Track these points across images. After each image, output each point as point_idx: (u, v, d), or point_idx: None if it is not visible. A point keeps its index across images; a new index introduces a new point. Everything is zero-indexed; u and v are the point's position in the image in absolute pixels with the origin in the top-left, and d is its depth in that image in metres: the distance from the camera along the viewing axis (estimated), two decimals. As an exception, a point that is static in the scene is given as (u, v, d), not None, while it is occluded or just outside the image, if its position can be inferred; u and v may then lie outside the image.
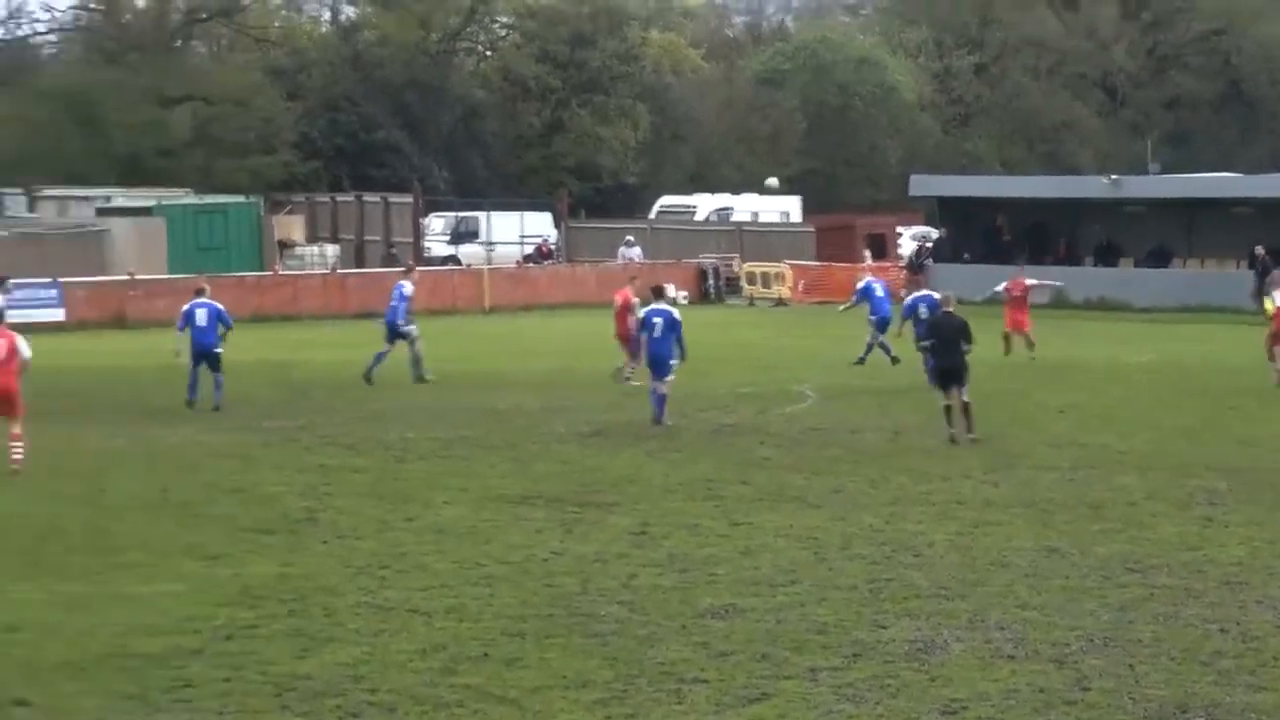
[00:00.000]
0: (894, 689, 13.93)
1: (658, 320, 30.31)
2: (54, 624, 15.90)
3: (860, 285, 42.47)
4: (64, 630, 15.68)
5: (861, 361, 40.41)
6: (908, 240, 78.70)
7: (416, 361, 37.17)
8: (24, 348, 24.61)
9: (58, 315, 55.05)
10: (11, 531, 20.40)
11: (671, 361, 30.25)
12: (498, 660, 14.85)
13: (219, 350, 33.13)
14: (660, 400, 30.31)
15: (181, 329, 33.47)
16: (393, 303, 37.58)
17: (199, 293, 33.74)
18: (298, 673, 14.46)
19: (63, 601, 16.81)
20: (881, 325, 40.38)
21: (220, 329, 33.29)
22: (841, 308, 45.94)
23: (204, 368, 33.00)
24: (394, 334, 37.38)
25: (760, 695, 13.78)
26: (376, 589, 17.54)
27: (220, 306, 33.95)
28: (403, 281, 38.23)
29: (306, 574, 18.26)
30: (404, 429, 29.75)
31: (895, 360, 39.39)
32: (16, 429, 24.30)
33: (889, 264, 69.59)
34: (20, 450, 24.26)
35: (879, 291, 41.14)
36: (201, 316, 33.25)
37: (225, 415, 31.81)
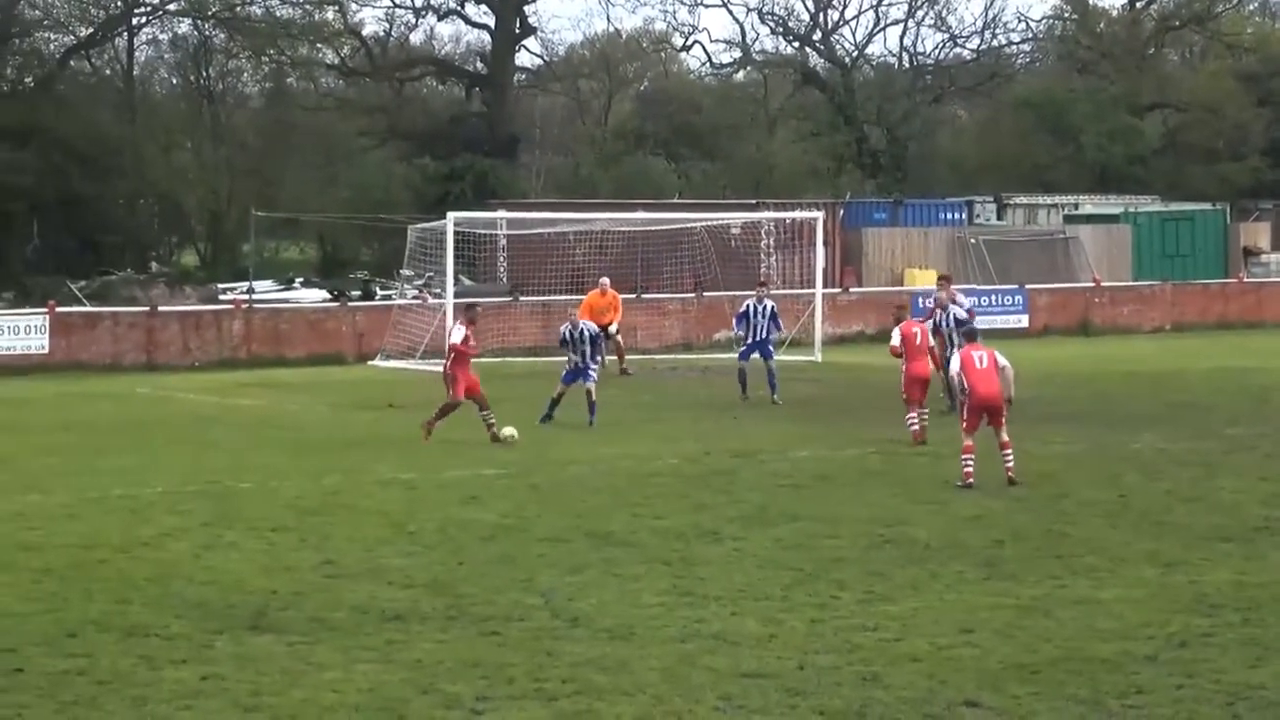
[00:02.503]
0: None
1: None
2: (1008, 626, 16.08)
3: None
4: (1018, 633, 15.83)
5: None
6: None
7: None
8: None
9: (1022, 321, 55.90)
10: (971, 534, 20.79)
11: None
12: None
13: None
14: None
15: None
16: None
17: None
18: (1251, 682, 14.12)
19: (1018, 605, 16.98)
20: None
21: None
22: None
23: None
24: None
25: None
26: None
27: None
28: None
29: (1263, 582, 17.83)
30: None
31: None
32: (1005, 437, 24.66)
33: None
34: (1011, 458, 24.52)
35: None
36: None
37: (1185, 423, 31.51)
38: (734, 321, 38.11)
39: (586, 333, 32.42)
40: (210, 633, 15.94)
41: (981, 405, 24.45)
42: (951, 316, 32.54)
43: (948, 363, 32.10)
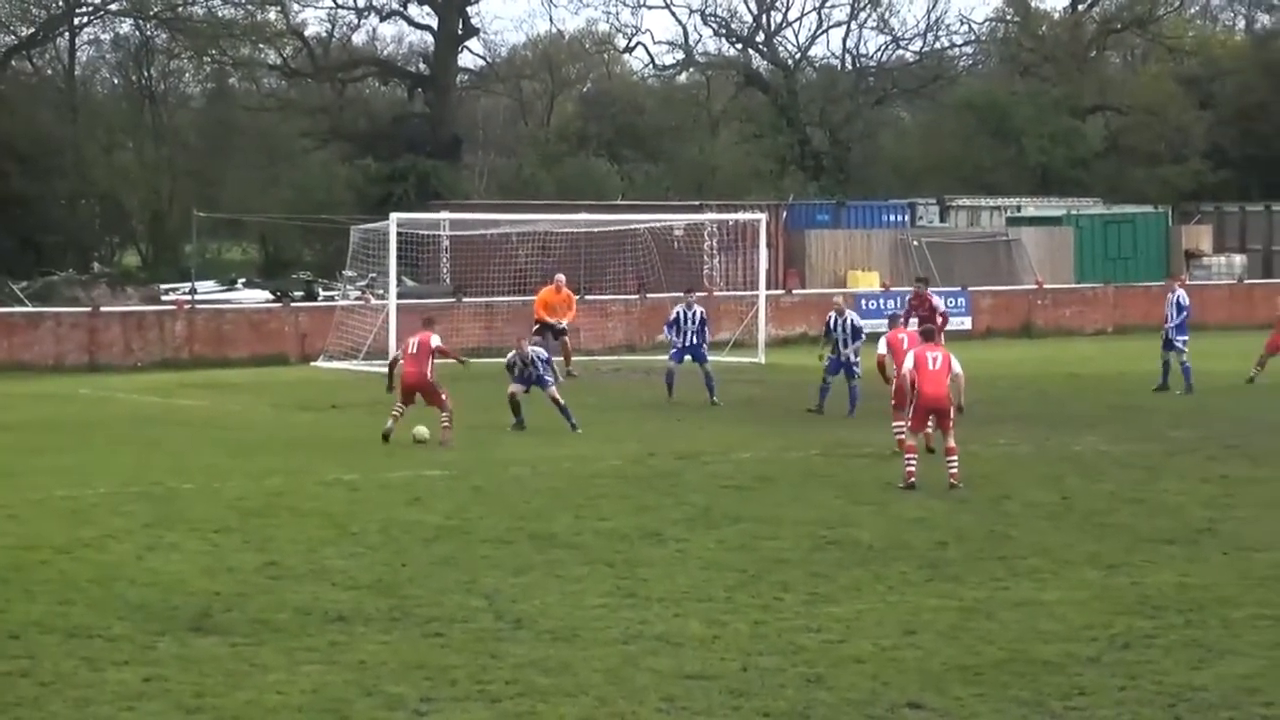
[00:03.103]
0: None
1: None
2: (951, 628, 16.12)
3: None
4: (961, 635, 15.88)
5: None
6: None
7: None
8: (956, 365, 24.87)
9: (964, 323, 56.07)
10: (914, 536, 20.84)
11: None
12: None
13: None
14: None
15: None
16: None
17: None
18: (1193, 684, 14.19)
19: (961, 606, 17.03)
20: None
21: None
22: None
23: None
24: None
25: None
26: (1276, 601, 17.05)
27: None
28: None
29: (1205, 584, 17.92)
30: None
31: None
32: (952, 443, 24.50)
33: None
34: (955, 465, 24.36)
35: None
36: None
37: (1128, 425, 31.67)
38: (665, 328, 38.30)
39: (536, 358, 32.09)
40: (153, 634, 15.87)
41: (928, 406, 24.43)
42: (849, 322, 33.80)
43: (842, 365, 33.39)
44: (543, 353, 32.69)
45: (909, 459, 24.38)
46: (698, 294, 39.27)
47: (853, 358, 33.51)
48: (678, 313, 37.14)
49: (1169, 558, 19.36)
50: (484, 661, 14.89)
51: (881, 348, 30.01)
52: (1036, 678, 14.43)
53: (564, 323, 43.30)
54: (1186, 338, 38.02)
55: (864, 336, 34.31)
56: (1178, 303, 38.45)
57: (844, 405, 33.51)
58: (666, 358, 37.44)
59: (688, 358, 36.61)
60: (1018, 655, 15.12)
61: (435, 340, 30.89)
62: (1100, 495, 23.78)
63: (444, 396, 30.37)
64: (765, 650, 15.30)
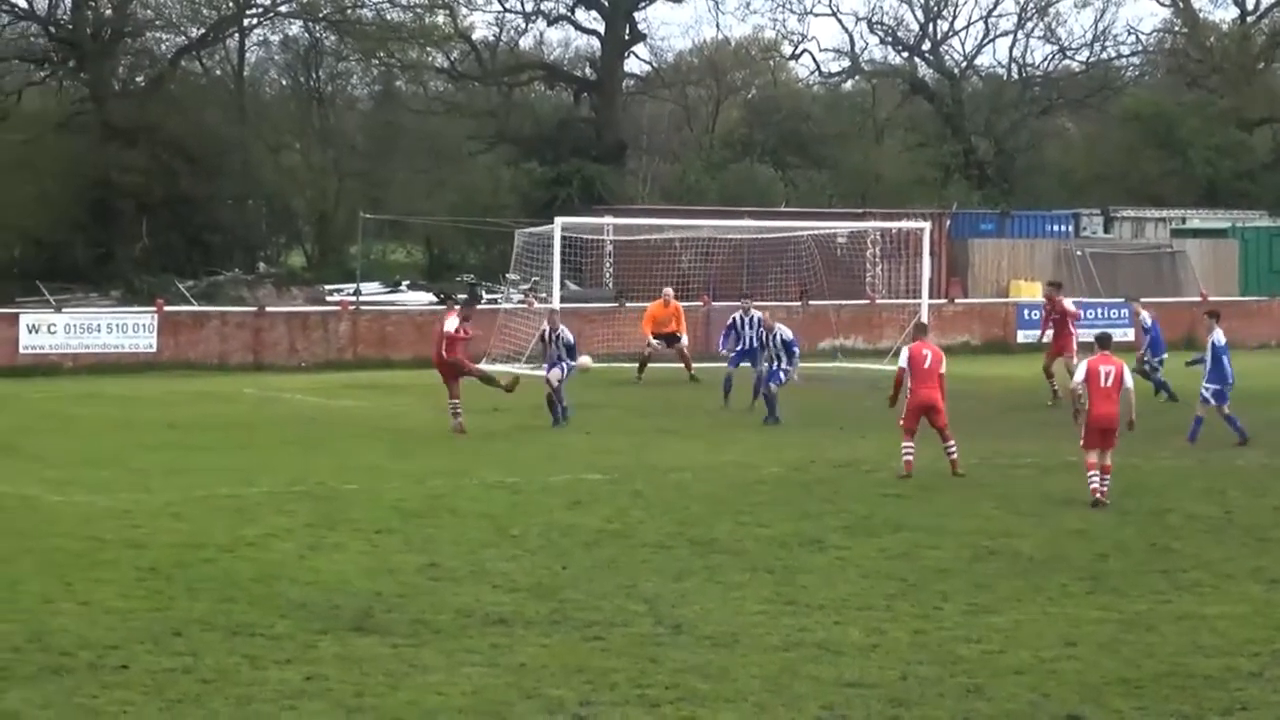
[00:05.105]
0: None
1: None
2: (1111, 640, 16.02)
3: None
4: (1121, 647, 15.77)
5: None
6: None
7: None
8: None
9: (1128, 334, 55.41)
10: (1074, 548, 20.70)
11: None
12: None
13: None
14: None
15: None
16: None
17: None
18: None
19: (1121, 619, 16.91)
20: None
21: None
22: None
23: None
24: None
25: None
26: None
27: None
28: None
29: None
30: None
31: None
32: (1108, 461, 24.14)
33: None
34: (1107, 482, 23.99)
35: None
36: None
37: None
38: (721, 337, 39.15)
39: (561, 338, 33.23)
40: (314, 633, 16.07)
41: (1100, 426, 23.97)
42: (778, 337, 34.02)
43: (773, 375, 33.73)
44: (569, 336, 33.59)
45: (1092, 476, 23.88)
46: (755, 301, 39.78)
47: (784, 368, 33.85)
48: (734, 318, 38.01)
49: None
50: (644, 666, 14.95)
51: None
52: (1197, 692, 14.30)
53: (684, 339, 44.26)
54: (1155, 356, 38.53)
55: (797, 351, 34.69)
56: (1143, 326, 39.26)
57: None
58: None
59: (745, 363, 37.24)
60: (1178, 669, 14.99)
61: (448, 325, 31.55)
62: (1263, 510, 23.50)
63: (467, 367, 31.95)
64: (925, 660, 15.27)
